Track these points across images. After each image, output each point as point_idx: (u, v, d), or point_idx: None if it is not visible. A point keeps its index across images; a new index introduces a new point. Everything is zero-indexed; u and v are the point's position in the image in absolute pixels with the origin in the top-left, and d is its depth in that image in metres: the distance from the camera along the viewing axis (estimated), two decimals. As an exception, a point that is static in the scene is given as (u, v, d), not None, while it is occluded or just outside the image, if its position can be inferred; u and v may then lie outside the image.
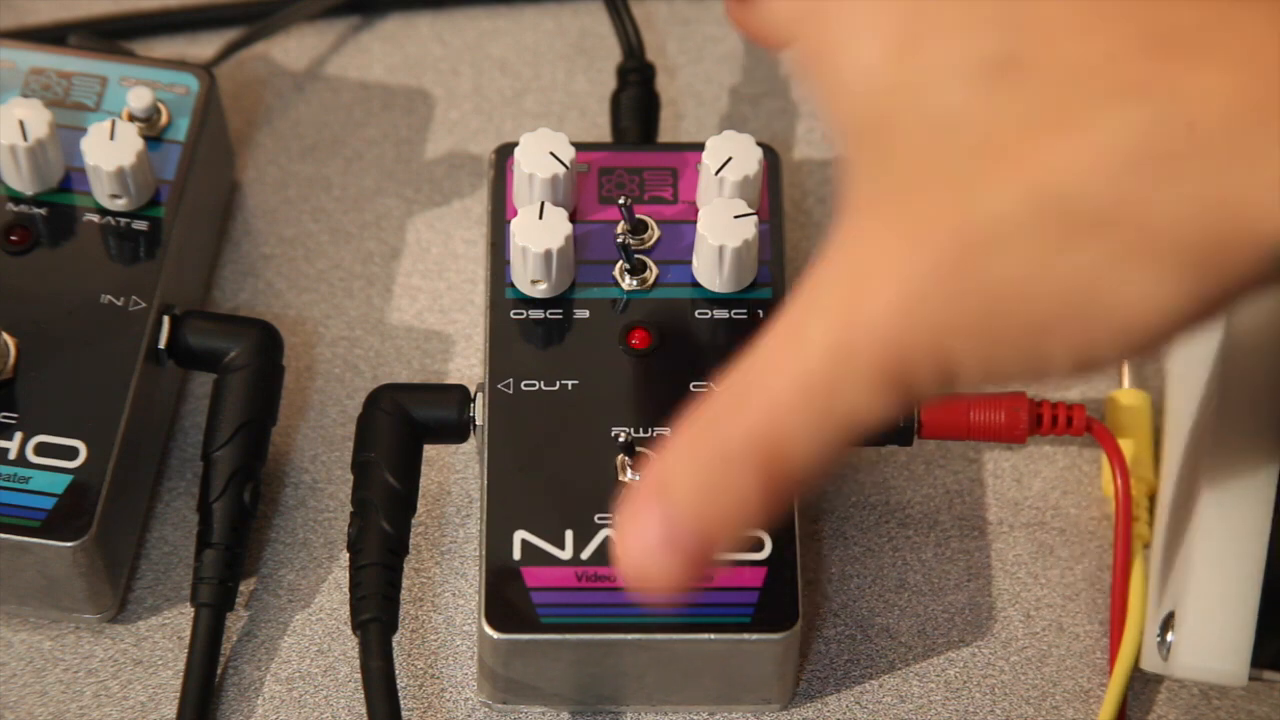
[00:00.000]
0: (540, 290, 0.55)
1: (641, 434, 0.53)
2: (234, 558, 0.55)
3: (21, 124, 0.56)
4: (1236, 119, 0.34)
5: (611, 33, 0.64)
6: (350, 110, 0.65)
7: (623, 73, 0.63)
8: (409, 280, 0.62)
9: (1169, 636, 0.52)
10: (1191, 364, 0.55)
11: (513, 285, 0.56)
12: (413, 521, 0.55)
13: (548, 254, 0.54)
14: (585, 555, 0.52)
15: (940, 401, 0.55)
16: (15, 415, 0.54)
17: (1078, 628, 0.57)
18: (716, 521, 0.40)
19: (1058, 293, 0.37)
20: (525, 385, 0.54)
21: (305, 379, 0.60)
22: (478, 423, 0.55)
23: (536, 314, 0.56)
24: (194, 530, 0.55)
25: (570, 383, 0.54)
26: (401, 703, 0.53)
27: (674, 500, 0.41)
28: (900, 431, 0.55)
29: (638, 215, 0.56)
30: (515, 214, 0.56)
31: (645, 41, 0.63)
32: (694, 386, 0.54)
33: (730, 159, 0.55)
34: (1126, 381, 0.59)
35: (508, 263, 0.56)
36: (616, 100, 0.62)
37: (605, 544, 0.52)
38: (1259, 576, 0.51)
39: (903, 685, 0.56)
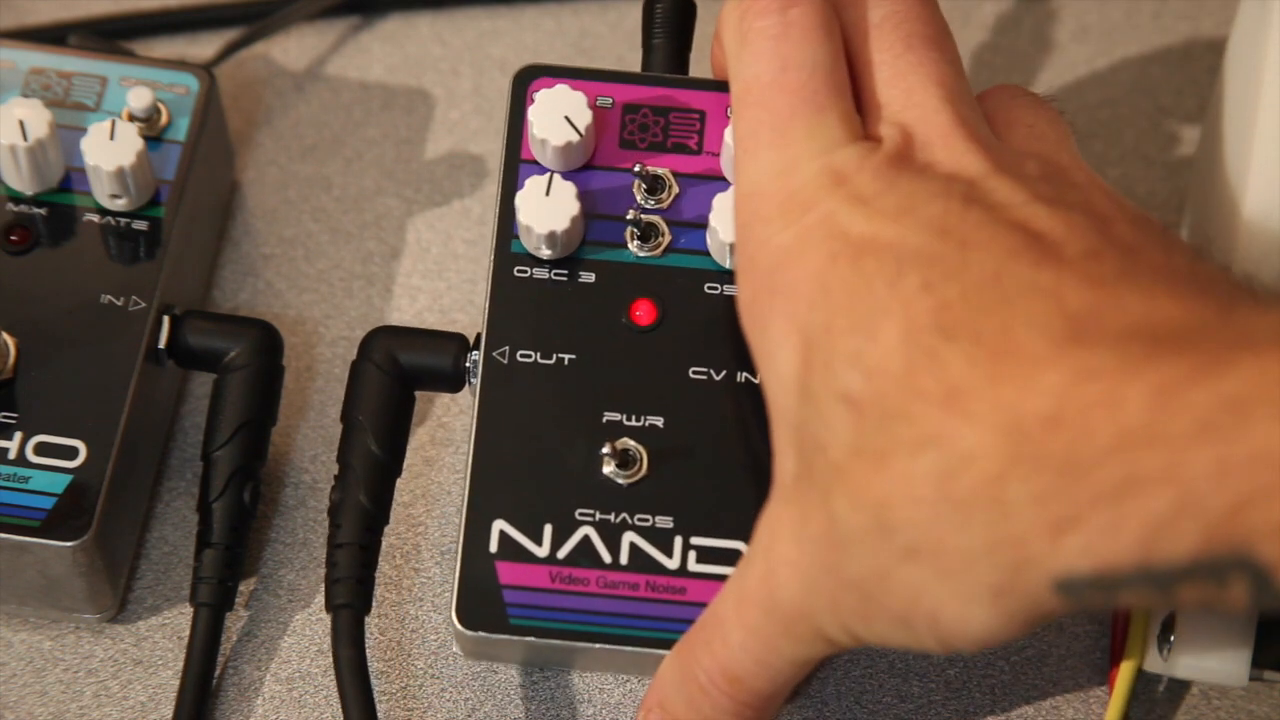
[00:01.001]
0: (546, 255, 0.54)
1: (633, 422, 0.53)
2: (234, 557, 0.55)
3: (21, 124, 0.56)
4: (1000, 474, 0.41)
5: (611, 33, 0.64)
6: (350, 110, 0.65)
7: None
8: (409, 280, 0.62)
9: (1169, 637, 0.52)
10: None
11: (519, 239, 0.54)
12: (396, 487, 0.55)
13: (552, 235, 0.53)
14: (561, 554, 0.51)
15: None
16: (15, 415, 0.54)
17: (1078, 628, 0.57)
18: None
19: (902, 595, 0.43)
20: (521, 356, 0.53)
21: (305, 379, 0.60)
22: (472, 380, 0.54)
23: (541, 274, 0.54)
24: (194, 530, 0.55)
25: (567, 357, 0.53)
26: (389, 684, 0.53)
27: (672, 712, 0.50)
28: None
29: (656, 173, 0.55)
30: (529, 155, 0.55)
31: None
32: (692, 372, 0.53)
33: None
34: None
35: (516, 216, 0.54)
36: (650, 10, 0.58)
37: (582, 543, 0.52)
38: (1259, 576, 0.50)
39: (903, 685, 0.56)
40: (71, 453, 0.53)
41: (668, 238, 0.54)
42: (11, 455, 0.53)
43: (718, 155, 0.55)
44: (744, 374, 0.53)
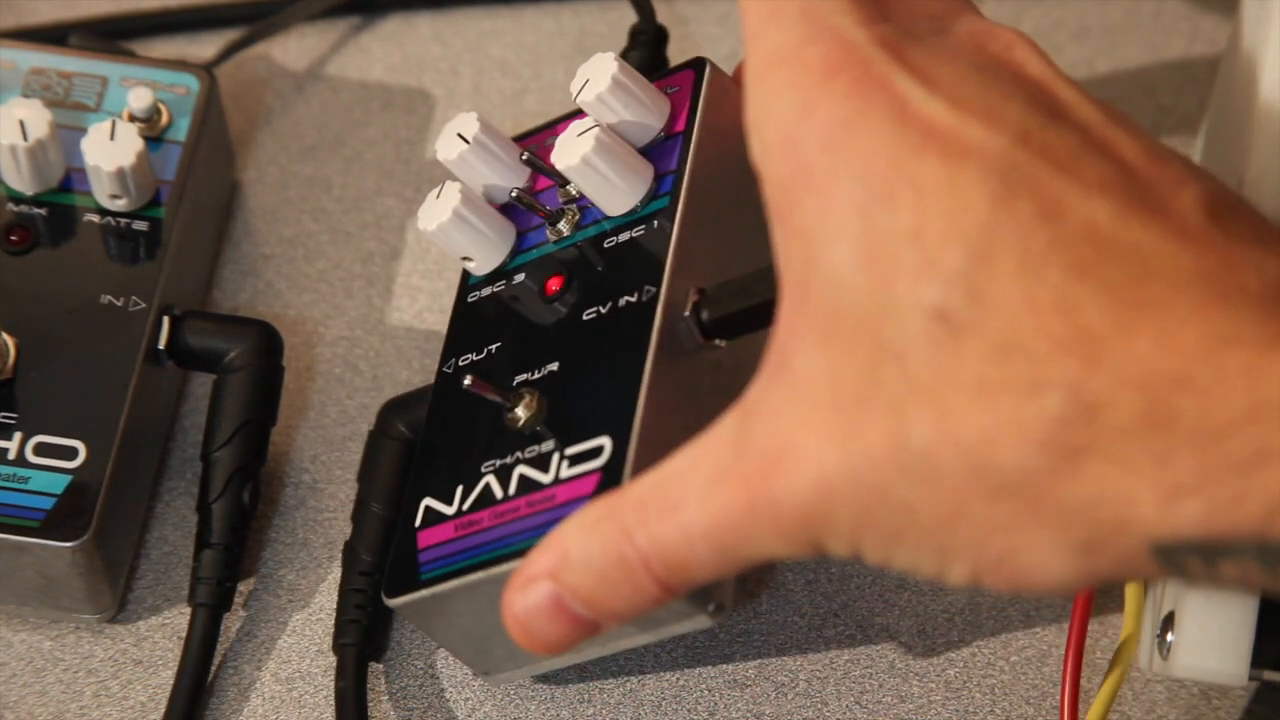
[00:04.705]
0: (474, 267, 0.55)
1: (535, 375, 0.52)
2: (233, 558, 0.55)
3: (21, 124, 0.56)
4: (1126, 429, 0.39)
5: (611, 33, 0.64)
6: (350, 110, 0.65)
7: (634, 34, 0.62)
8: (409, 280, 0.62)
9: (1169, 636, 0.52)
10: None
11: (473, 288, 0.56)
12: None
13: (441, 227, 0.54)
14: (466, 506, 0.52)
15: None
16: (15, 415, 0.54)
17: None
18: (607, 610, 0.45)
19: (971, 532, 0.41)
20: (461, 361, 0.54)
21: (305, 379, 0.60)
22: None
23: (486, 291, 0.55)
24: (194, 530, 0.55)
25: (494, 346, 0.54)
26: (389, 684, 0.53)
27: (569, 582, 0.45)
28: None
29: (559, 169, 0.54)
30: None
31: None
32: (585, 315, 0.53)
33: (588, 81, 0.53)
34: None
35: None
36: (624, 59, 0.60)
37: (483, 490, 0.52)
38: (1259, 576, 0.51)
39: (903, 685, 0.56)
40: (71, 453, 0.53)
41: (577, 215, 0.54)
42: (11, 455, 0.53)
43: None
44: (624, 298, 0.52)
